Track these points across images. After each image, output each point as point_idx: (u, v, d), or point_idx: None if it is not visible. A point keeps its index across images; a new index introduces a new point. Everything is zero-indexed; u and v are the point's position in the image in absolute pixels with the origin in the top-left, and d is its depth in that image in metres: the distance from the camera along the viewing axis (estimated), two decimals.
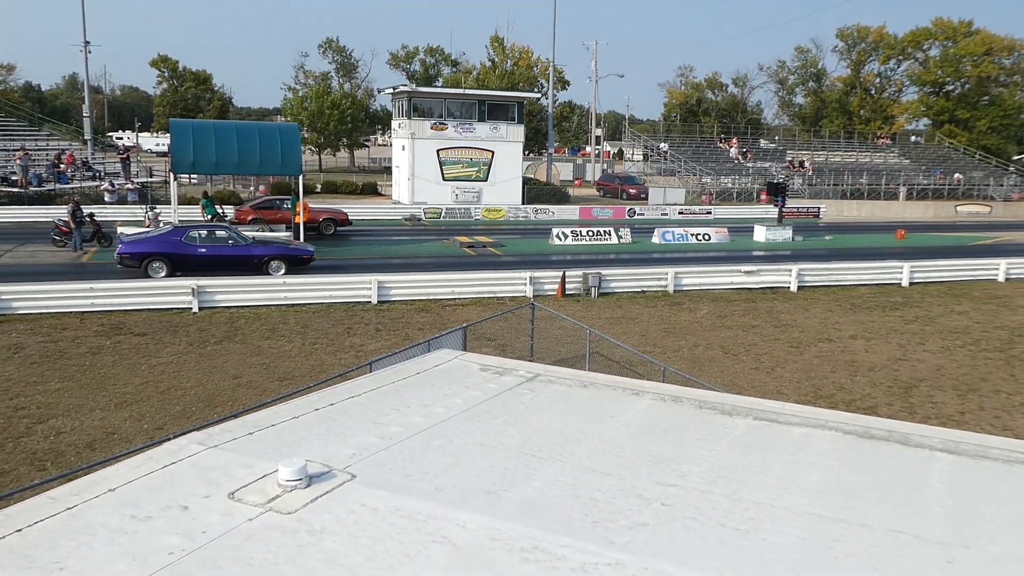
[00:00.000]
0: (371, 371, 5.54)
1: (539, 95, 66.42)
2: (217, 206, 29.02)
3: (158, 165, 47.43)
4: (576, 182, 65.15)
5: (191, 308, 17.74)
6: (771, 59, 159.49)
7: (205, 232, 21.18)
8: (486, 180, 44.01)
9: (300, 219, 26.40)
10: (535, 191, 46.87)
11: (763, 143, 66.43)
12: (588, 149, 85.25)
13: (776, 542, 2.23)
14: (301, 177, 27.30)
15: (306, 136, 67.76)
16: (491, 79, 67.94)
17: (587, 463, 2.75)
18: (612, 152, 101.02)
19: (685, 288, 22.07)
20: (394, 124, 47.33)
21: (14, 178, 36.54)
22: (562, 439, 2.99)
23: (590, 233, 31.68)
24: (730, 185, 54.78)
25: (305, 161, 44.64)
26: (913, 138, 73.14)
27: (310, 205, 31.95)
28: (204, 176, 40.90)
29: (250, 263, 20.89)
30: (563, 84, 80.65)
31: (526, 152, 58.94)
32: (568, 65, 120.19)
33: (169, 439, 2.91)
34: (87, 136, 47.91)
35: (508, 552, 2.08)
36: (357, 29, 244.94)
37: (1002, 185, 59.70)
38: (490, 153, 44.01)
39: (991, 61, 72.81)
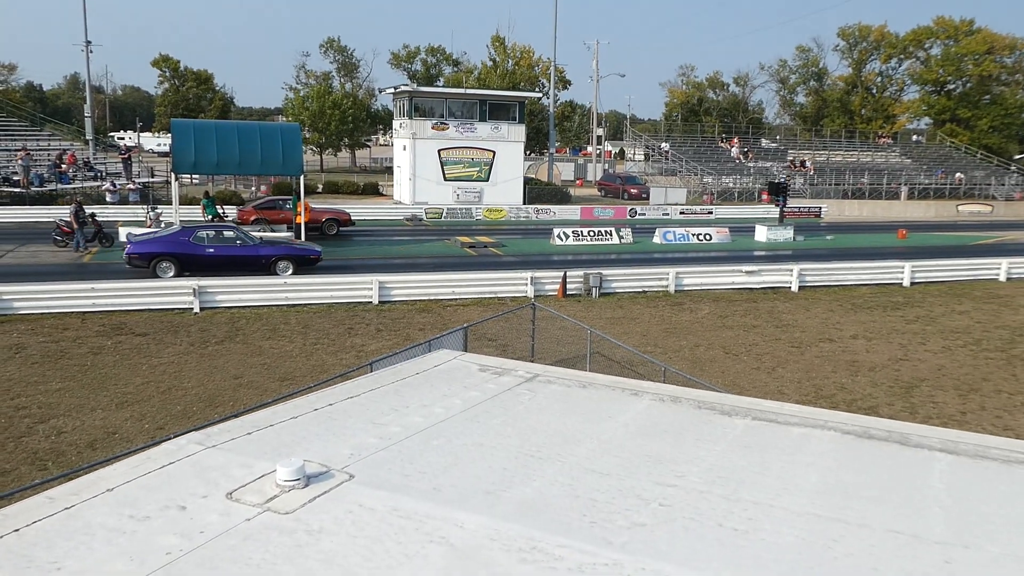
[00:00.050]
0: (372, 371, 5.54)
1: (540, 95, 66.43)
2: (218, 206, 29.04)
3: (159, 165, 47.49)
4: (577, 182, 65.17)
5: (192, 308, 17.76)
6: (772, 58, 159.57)
7: (213, 232, 21.26)
8: (487, 180, 44.02)
9: (301, 219, 26.42)
10: (536, 191, 46.88)
11: (764, 143, 66.43)
12: (589, 149, 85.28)
13: (775, 542, 2.23)
14: (302, 177, 27.32)
15: (307, 136, 67.80)
16: (492, 79, 67.98)
17: (586, 463, 2.75)
18: (613, 152, 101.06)
19: (686, 288, 22.07)
20: (395, 124, 47.35)
21: (16, 178, 36.61)
22: (561, 439, 2.99)
23: (591, 233, 31.69)
24: (731, 185, 54.77)
25: (306, 161, 44.67)
26: (914, 137, 73.11)
27: (313, 205, 32.00)
28: (205, 176, 40.95)
29: (258, 263, 20.96)
30: (564, 84, 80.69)
31: (527, 152, 58.94)
32: (569, 65, 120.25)
33: (168, 439, 2.92)
34: (88, 136, 47.96)
35: (506, 552, 2.08)
36: (358, 29, 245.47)
37: (1003, 184, 59.65)
38: (491, 153, 44.02)
39: (993, 60, 72.75)
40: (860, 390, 13.99)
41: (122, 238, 26.08)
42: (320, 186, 49.28)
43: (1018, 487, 2.76)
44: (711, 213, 44.10)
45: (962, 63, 73.38)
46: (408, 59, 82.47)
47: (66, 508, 2.25)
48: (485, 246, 29.59)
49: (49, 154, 41.59)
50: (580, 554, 2.08)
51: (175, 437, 2.87)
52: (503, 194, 43.43)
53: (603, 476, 2.64)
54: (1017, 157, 68.97)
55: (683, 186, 52.79)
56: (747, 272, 23.01)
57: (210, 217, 27.61)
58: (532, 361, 13.22)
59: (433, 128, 43.14)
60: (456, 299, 19.91)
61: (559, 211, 41.49)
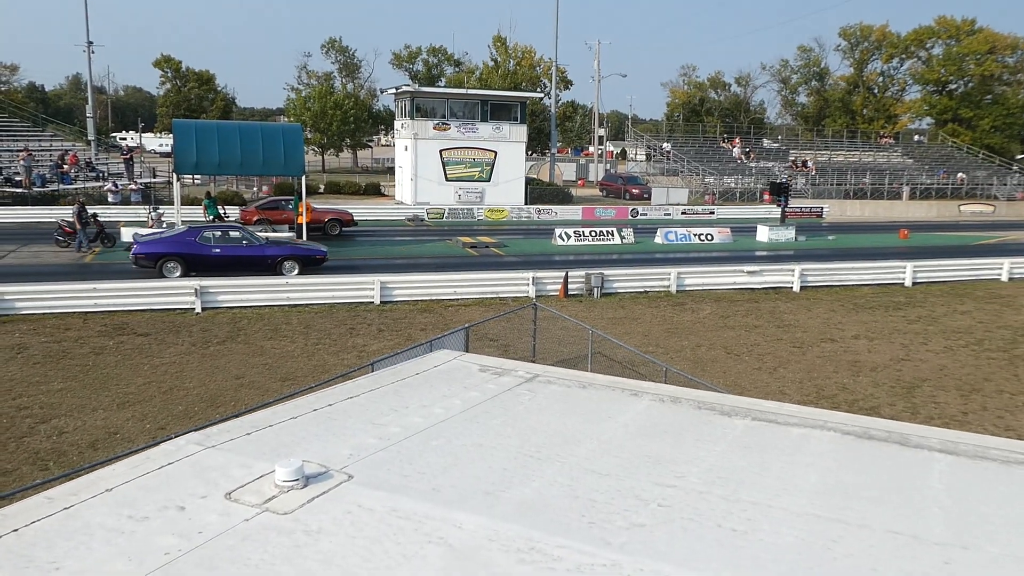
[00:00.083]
0: (373, 371, 5.54)
1: (542, 95, 66.42)
2: (219, 207, 29.06)
3: (161, 165, 47.56)
4: (579, 182, 65.19)
5: (194, 308, 17.77)
6: (774, 58, 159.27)
7: (219, 232, 21.35)
8: (489, 180, 44.02)
9: (303, 219, 26.44)
10: (538, 191, 46.88)
11: (766, 143, 66.40)
12: (591, 149, 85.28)
13: (774, 543, 2.23)
14: (304, 178, 27.33)
15: (309, 136, 67.79)
16: (494, 79, 67.99)
17: (585, 464, 2.75)
18: (615, 152, 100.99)
19: (688, 288, 22.06)
20: (397, 124, 47.37)
21: (18, 179, 36.66)
22: (561, 440, 2.99)
23: (593, 233, 31.68)
24: (733, 185, 54.74)
25: (308, 162, 44.71)
26: (916, 137, 73.06)
27: (316, 205, 32.04)
28: (207, 176, 40.98)
29: (264, 263, 21.02)
30: (566, 84, 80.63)
31: (529, 152, 58.93)
32: (571, 65, 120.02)
33: (168, 439, 2.92)
34: (90, 136, 48.01)
35: (505, 553, 2.08)
36: (360, 29, 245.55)
37: (1005, 184, 59.58)
38: (493, 153, 44.02)
39: (994, 60, 72.68)
40: (862, 390, 13.98)
41: (125, 238, 26.13)
42: (322, 186, 49.31)
43: (1018, 488, 2.76)
44: (713, 213, 44.08)
45: (964, 63, 73.32)
46: (410, 59, 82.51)
47: (65, 508, 2.25)
48: (487, 246, 29.59)
49: (51, 154, 41.64)
50: (579, 555, 2.08)
51: (175, 438, 2.87)
52: (505, 194, 43.43)
53: (602, 476, 2.64)
54: (1019, 157, 68.92)
55: (685, 186, 52.77)
56: (749, 272, 22.99)
57: (211, 217, 27.63)
58: (533, 361, 13.23)
59: (435, 128, 43.15)
60: (458, 299, 19.91)
61: (561, 211, 41.49)
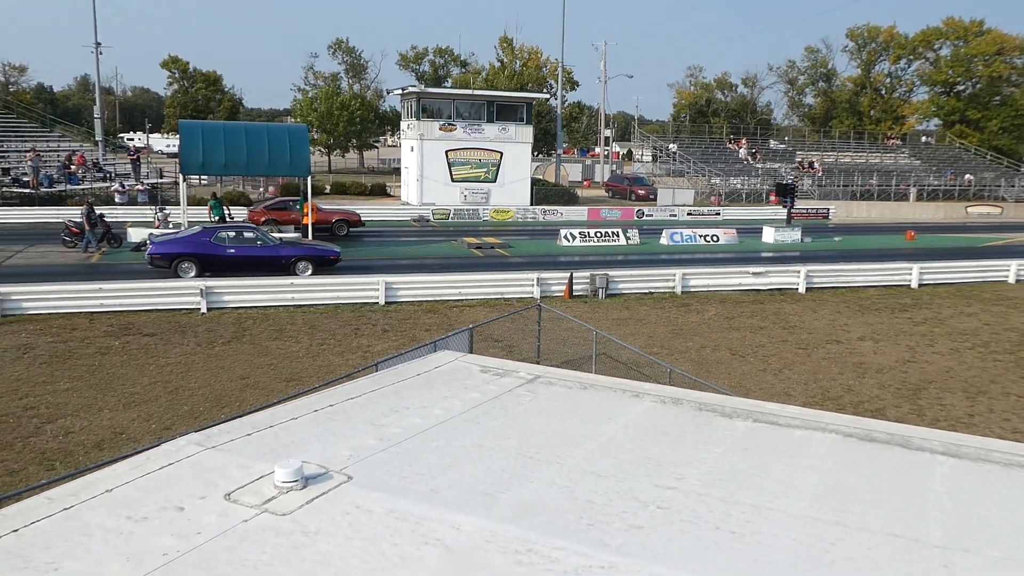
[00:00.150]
0: (377, 372, 5.54)
1: (548, 96, 66.39)
2: (225, 208, 29.11)
3: (168, 166, 47.70)
4: (585, 183, 65.14)
5: (200, 309, 17.82)
6: (781, 59, 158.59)
7: (234, 233, 21.48)
8: (495, 181, 44.03)
9: (308, 220, 26.47)
10: (543, 192, 46.86)
11: (773, 144, 66.24)
12: (597, 150, 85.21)
13: (772, 545, 2.22)
14: (309, 178, 27.37)
15: (315, 137, 67.91)
16: (500, 80, 67.96)
17: (584, 465, 2.75)
18: (621, 153, 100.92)
19: (693, 289, 22.02)
20: (403, 125, 47.42)
21: (25, 179, 36.81)
22: (560, 441, 2.99)
23: (598, 234, 31.65)
24: (739, 186, 54.64)
25: (314, 162, 44.76)
26: (924, 139, 72.83)
27: (324, 206, 32.08)
28: (214, 177, 41.09)
29: (277, 264, 21.11)
30: (572, 85, 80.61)
31: (535, 153, 58.91)
32: (577, 66, 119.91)
33: (170, 440, 2.93)
34: (98, 137, 48.15)
35: (502, 554, 2.08)
36: (367, 30, 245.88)
37: (1013, 186, 59.34)
38: (499, 154, 44.03)
39: (1003, 61, 72.36)
40: (867, 392, 13.93)
41: (131, 239, 26.22)
42: (328, 187, 49.39)
43: (1020, 491, 2.75)
44: (718, 214, 44.00)
45: (972, 64, 73.03)
46: (416, 60, 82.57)
47: (64, 509, 2.26)
48: (492, 247, 29.59)
49: (59, 155, 41.80)
50: (576, 556, 2.08)
51: (175, 439, 2.88)
52: (510, 195, 43.43)
53: (601, 478, 2.64)
54: None
55: (691, 187, 52.69)
56: (754, 273, 22.94)
57: (216, 218, 27.68)
58: (537, 362, 13.23)
59: (441, 129, 43.18)
60: (462, 300, 19.92)
61: (566, 212, 41.46)
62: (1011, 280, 25.57)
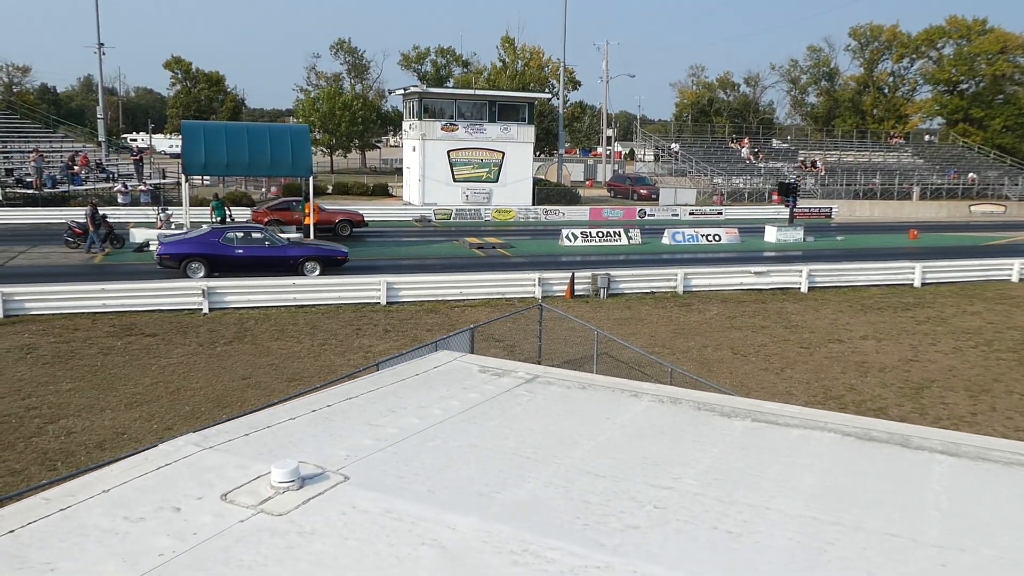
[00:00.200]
0: (378, 372, 5.54)
1: (550, 96, 66.39)
2: (227, 208, 29.14)
3: (171, 166, 47.75)
4: (587, 183, 65.14)
5: (202, 309, 17.84)
6: (783, 58, 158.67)
7: (242, 233, 21.57)
8: (496, 181, 44.04)
9: (309, 220, 26.49)
10: (545, 192, 46.85)
11: (775, 143, 66.15)
12: (599, 150, 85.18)
13: (768, 545, 2.22)
14: (311, 179, 27.38)
15: (318, 137, 67.97)
16: (502, 80, 67.95)
17: (581, 465, 2.75)
18: (623, 153, 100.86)
19: (695, 289, 22.00)
20: (405, 125, 47.45)
21: (29, 180, 36.89)
22: (558, 441, 2.98)
23: (600, 234, 31.64)
24: (741, 185, 54.59)
25: (316, 162, 44.81)
26: (927, 137, 72.64)
27: (327, 206, 32.11)
28: (217, 177, 41.13)
29: (285, 264, 21.17)
30: (574, 84, 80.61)
31: (537, 153, 58.93)
32: (579, 65, 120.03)
33: (168, 440, 2.93)
34: (101, 138, 48.26)
35: (498, 554, 2.08)
36: (369, 30, 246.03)
37: (1017, 184, 59.19)
38: (500, 154, 44.03)
39: (1006, 59, 72.22)
40: (869, 391, 13.91)
41: (134, 239, 26.27)
42: (330, 187, 49.44)
43: (1018, 489, 2.74)
44: (720, 214, 43.96)
45: (975, 62, 72.90)
46: (418, 60, 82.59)
47: (61, 509, 2.26)
48: (493, 247, 29.59)
49: (62, 156, 41.89)
50: (571, 556, 2.08)
51: (173, 440, 2.88)
52: (512, 195, 43.43)
53: (598, 478, 2.63)
54: None
55: (693, 187, 52.65)
56: (756, 273, 22.92)
57: (218, 219, 27.71)
58: (539, 362, 13.23)
59: (443, 129, 43.19)
60: (464, 300, 19.92)
61: (568, 212, 41.45)
62: (1014, 279, 25.53)
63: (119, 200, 35.99)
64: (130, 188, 37.96)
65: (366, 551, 2.08)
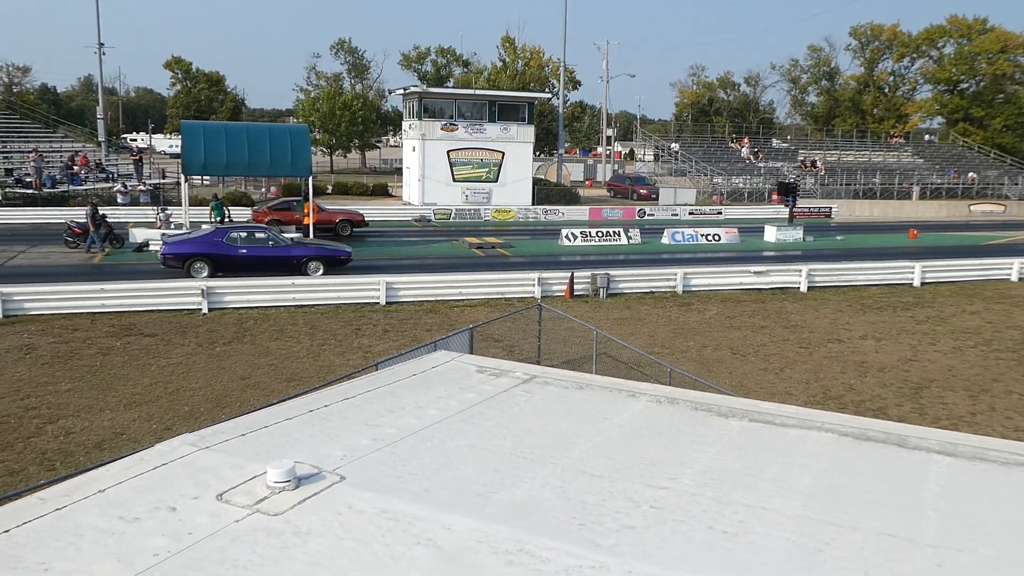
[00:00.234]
0: (376, 372, 5.54)
1: (550, 95, 66.38)
2: (226, 209, 29.15)
3: (171, 167, 47.76)
4: (587, 183, 65.08)
5: (201, 309, 17.84)
6: (784, 58, 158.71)
7: (246, 233, 21.60)
8: (496, 181, 44.03)
9: (309, 220, 26.49)
10: (545, 192, 46.85)
11: (775, 143, 66.17)
12: (599, 149, 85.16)
13: (764, 545, 2.22)
14: (311, 179, 27.38)
15: (317, 137, 67.95)
16: (502, 79, 67.95)
17: (578, 465, 2.74)
18: (623, 152, 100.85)
19: (694, 289, 22.00)
20: (405, 125, 47.44)
21: (28, 180, 36.88)
22: (555, 441, 2.98)
23: (600, 234, 31.63)
24: (741, 185, 54.58)
25: (316, 162, 44.84)
26: (927, 137, 72.62)
27: (328, 206, 32.12)
28: (216, 177, 41.13)
29: (289, 264, 21.19)
30: (574, 84, 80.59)
31: (537, 153, 58.91)
32: (579, 65, 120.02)
33: (165, 441, 2.93)
34: (101, 138, 48.25)
35: (493, 554, 2.08)
36: (369, 30, 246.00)
37: (1017, 184, 59.17)
38: (500, 154, 44.03)
39: (1006, 59, 72.20)
40: (869, 391, 13.91)
41: (134, 239, 26.26)
42: (330, 187, 49.42)
43: (1015, 489, 2.74)
44: (720, 214, 43.96)
45: (975, 62, 72.90)
46: (418, 60, 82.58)
47: (57, 509, 2.26)
48: (493, 247, 29.58)
49: (61, 156, 41.89)
50: (567, 556, 2.08)
51: (169, 440, 2.88)
52: (512, 195, 43.43)
53: (595, 478, 2.63)
54: None
55: (693, 186, 52.64)
56: (756, 273, 22.92)
57: (217, 220, 27.72)
58: (538, 362, 13.23)
59: (442, 129, 43.19)
60: (463, 300, 19.92)
61: (568, 212, 41.44)
62: (1014, 278, 25.53)
63: (118, 200, 35.97)
64: (130, 188, 37.95)
65: (362, 551, 2.07)
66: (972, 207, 52.04)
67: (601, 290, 20.85)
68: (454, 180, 43.33)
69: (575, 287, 20.91)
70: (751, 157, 59.32)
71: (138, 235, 26.37)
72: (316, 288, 19.20)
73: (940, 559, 2.17)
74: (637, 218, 41.16)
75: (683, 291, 21.72)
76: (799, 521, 2.37)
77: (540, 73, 74.43)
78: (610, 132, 76.72)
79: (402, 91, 46.28)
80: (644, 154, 76.36)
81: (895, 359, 15.96)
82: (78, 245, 25.41)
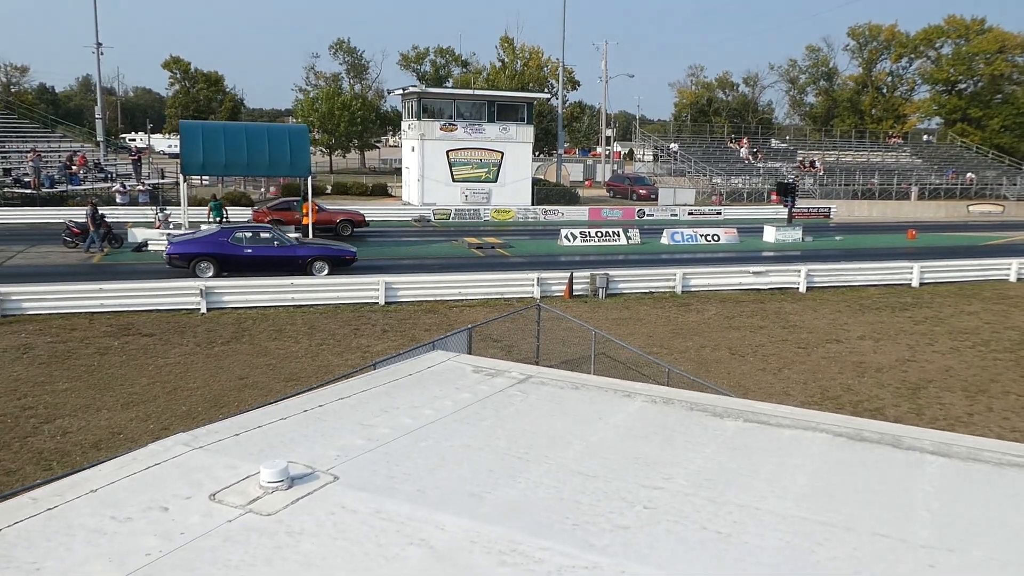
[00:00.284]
0: (373, 372, 5.54)
1: (549, 95, 66.38)
2: (224, 209, 29.14)
3: (170, 167, 47.74)
4: (586, 183, 65.11)
5: (199, 309, 17.83)
6: (782, 58, 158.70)
7: (251, 233, 21.63)
8: (495, 181, 44.04)
9: (307, 220, 26.48)
10: (544, 192, 46.86)
11: (774, 143, 66.21)
12: (598, 150, 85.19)
13: (758, 545, 2.22)
14: (310, 179, 27.38)
15: (317, 137, 67.94)
16: (501, 80, 67.97)
17: (573, 465, 2.74)
18: (622, 153, 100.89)
19: (693, 289, 22.01)
20: (404, 125, 47.44)
21: (26, 179, 36.86)
22: (549, 441, 2.98)
23: (599, 234, 31.65)
24: (740, 185, 54.61)
25: (316, 162, 44.82)
26: (925, 137, 72.71)
27: (328, 206, 32.12)
28: (215, 177, 41.10)
29: (294, 264, 21.21)
30: (573, 84, 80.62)
31: (536, 153, 58.95)
32: (578, 65, 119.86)
33: (159, 440, 2.92)
34: (99, 138, 48.21)
35: (486, 555, 2.08)
36: (368, 30, 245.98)
37: (1015, 184, 59.26)
38: (499, 154, 44.04)
39: (1004, 59, 72.31)
40: (866, 391, 13.92)
41: (133, 239, 26.25)
42: (329, 187, 49.41)
43: (1009, 490, 2.74)
44: (719, 214, 43.99)
45: (973, 62, 72.99)
46: (417, 60, 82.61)
47: (48, 509, 2.26)
48: (492, 247, 29.59)
49: (60, 155, 41.86)
50: (560, 556, 2.07)
51: (163, 440, 2.87)
52: (511, 195, 43.44)
53: (589, 478, 2.63)
54: None
55: (692, 187, 52.68)
56: (755, 273, 22.93)
57: (216, 220, 27.72)
58: (537, 362, 13.23)
59: (442, 129, 43.19)
60: (463, 300, 19.92)
61: (567, 212, 41.46)
62: (1012, 279, 25.55)
63: (117, 200, 35.94)
64: (128, 188, 37.93)
65: (354, 551, 2.07)
66: (970, 207, 52.09)
67: (600, 290, 20.86)
68: (453, 180, 43.34)
69: (574, 287, 20.91)
70: (750, 157, 59.35)
71: (137, 235, 26.36)
72: (315, 288, 19.20)
73: (933, 559, 2.17)
74: (636, 218, 41.18)
75: (682, 291, 21.73)
76: (793, 521, 2.37)
77: (539, 73, 74.44)
78: (609, 132, 76.76)
79: (401, 91, 46.29)
80: (643, 154, 76.39)
81: (893, 359, 15.97)
82: (76, 245, 25.39)
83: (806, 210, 44.36)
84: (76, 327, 16.21)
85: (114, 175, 41.66)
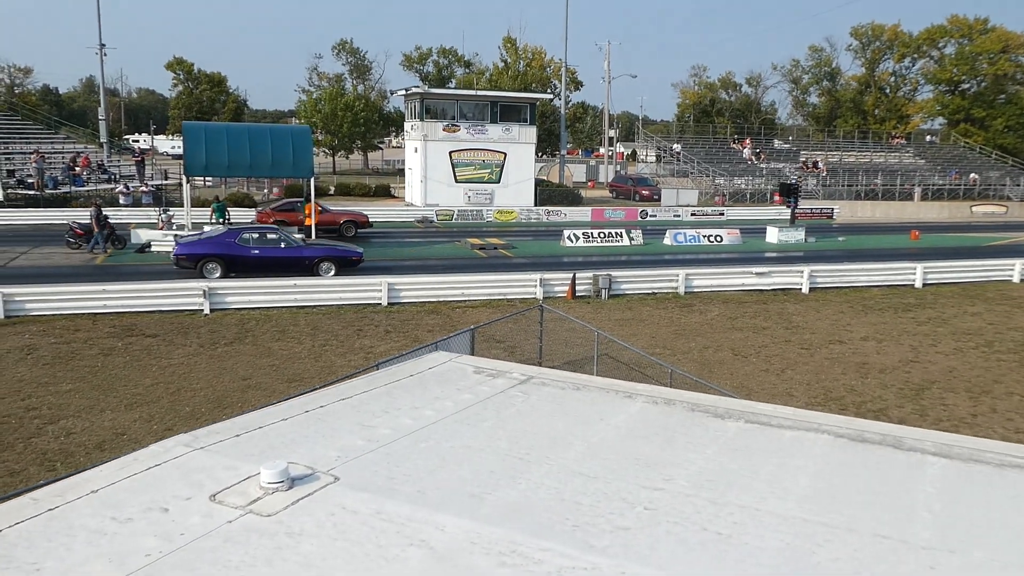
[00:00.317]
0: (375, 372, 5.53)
1: (552, 96, 66.38)
2: (227, 211, 29.18)
3: (173, 168, 47.80)
4: (589, 183, 65.14)
5: (203, 310, 17.85)
6: (785, 58, 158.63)
7: (258, 234, 21.70)
8: (498, 182, 44.04)
9: (311, 221, 26.51)
10: (547, 193, 46.85)
11: (777, 143, 66.10)
12: (601, 150, 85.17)
13: (758, 546, 2.21)
14: (312, 179, 27.41)
15: (320, 138, 67.97)
16: (504, 80, 67.96)
17: (574, 466, 2.74)
18: (625, 153, 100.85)
19: (696, 290, 21.99)
20: (407, 126, 47.46)
21: (30, 181, 36.94)
22: (550, 442, 2.98)
23: (602, 235, 31.63)
24: (743, 186, 54.55)
25: (318, 163, 44.84)
26: (928, 137, 72.58)
27: (332, 207, 32.16)
28: (219, 178, 41.16)
29: (301, 264, 21.24)
30: (576, 85, 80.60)
31: (539, 153, 58.88)
32: (581, 66, 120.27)
33: (159, 441, 2.92)
34: (103, 139, 48.31)
35: (486, 555, 2.08)
36: (371, 31, 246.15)
37: (1019, 185, 59.10)
38: (502, 155, 44.04)
39: (1007, 59, 72.16)
40: (870, 392, 13.89)
41: (137, 240, 26.30)
42: (332, 188, 49.44)
43: (1010, 491, 2.73)
44: (722, 215, 43.95)
45: (976, 62, 72.85)
46: (420, 61, 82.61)
47: (49, 509, 2.26)
48: (495, 248, 29.59)
49: (63, 157, 41.95)
50: (560, 557, 2.07)
51: (163, 440, 2.88)
52: (514, 196, 43.43)
53: (590, 479, 2.63)
54: None
55: (695, 187, 52.64)
56: (757, 274, 22.90)
57: (218, 222, 27.77)
58: (539, 363, 13.22)
59: (444, 130, 43.20)
60: (465, 301, 19.93)
61: (570, 213, 41.45)
62: (1015, 279, 25.49)
63: (121, 201, 36.01)
64: (132, 189, 38.00)
65: (354, 552, 2.07)
66: (974, 208, 51.97)
67: (603, 291, 20.85)
68: (456, 181, 43.35)
69: (577, 288, 20.90)
70: (753, 158, 59.30)
71: (141, 236, 26.41)
72: (318, 289, 19.22)
73: (934, 561, 2.17)
74: (639, 219, 41.15)
75: (685, 292, 21.72)
76: (794, 522, 2.36)
77: (542, 74, 74.41)
78: (612, 133, 76.76)
79: (404, 92, 46.31)
80: (646, 155, 76.42)
81: (896, 360, 15.94)
82: (80, 246, 25.43)
83: (809, 211, 44.31)
84: (80, 328, 16.25)
85: (117, 176, 41.73)
